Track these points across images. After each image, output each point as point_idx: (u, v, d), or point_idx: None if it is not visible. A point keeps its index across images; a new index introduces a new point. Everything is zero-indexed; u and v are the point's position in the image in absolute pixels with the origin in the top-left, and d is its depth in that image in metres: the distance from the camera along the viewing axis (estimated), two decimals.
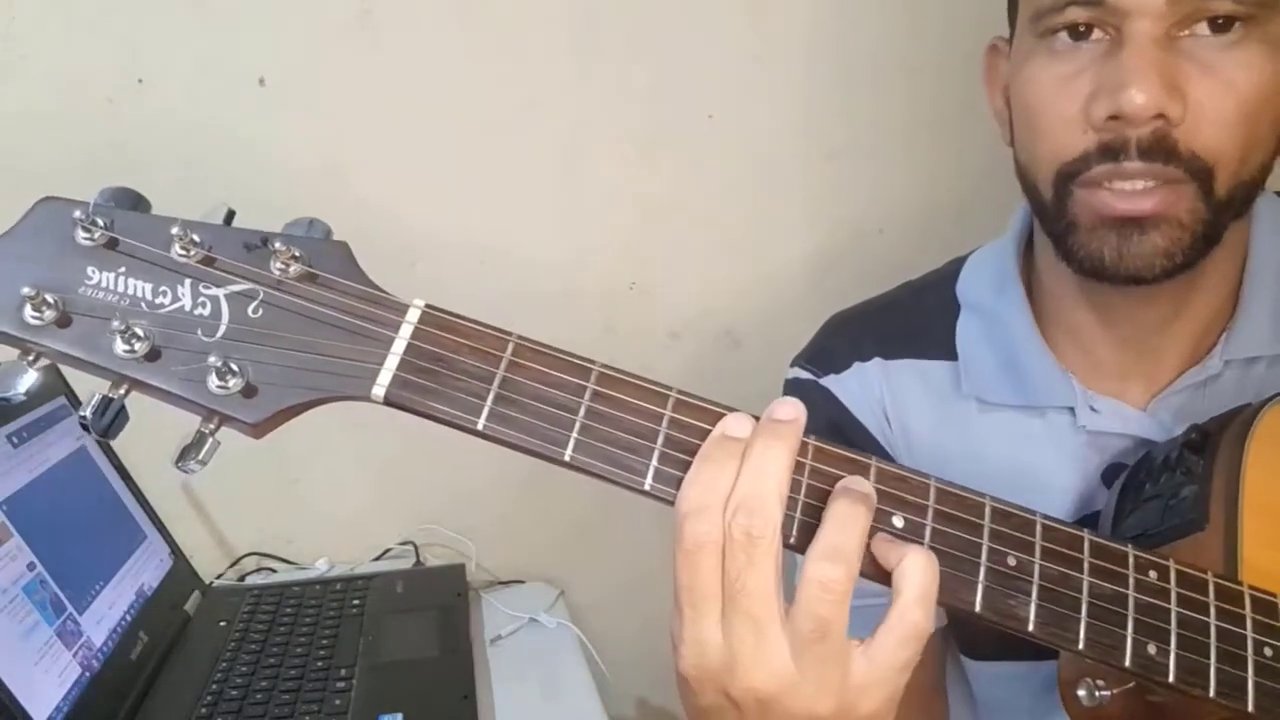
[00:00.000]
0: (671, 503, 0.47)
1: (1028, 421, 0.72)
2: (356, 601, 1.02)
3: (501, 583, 1.17)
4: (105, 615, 0.87)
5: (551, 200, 1.12)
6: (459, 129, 1.08)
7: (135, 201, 0.48)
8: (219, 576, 1.13)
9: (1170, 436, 0.66)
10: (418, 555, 1.16)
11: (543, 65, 1.08)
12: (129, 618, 0.90)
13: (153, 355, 0.45)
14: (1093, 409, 0.69)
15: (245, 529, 1.16)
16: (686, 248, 1.16)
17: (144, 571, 0.96)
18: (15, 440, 0.84)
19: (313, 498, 1.16)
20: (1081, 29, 0.61)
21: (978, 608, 0.48)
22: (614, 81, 1.10)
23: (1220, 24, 0.58)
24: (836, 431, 0.77)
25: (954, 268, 0.79)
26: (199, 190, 1.05)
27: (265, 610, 1.01)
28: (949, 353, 0.75)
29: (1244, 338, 0.67)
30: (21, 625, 0.76)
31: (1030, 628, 0.48)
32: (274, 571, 1.15)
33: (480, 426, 0.46)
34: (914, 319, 0.78)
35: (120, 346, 0.45)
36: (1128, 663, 0.49)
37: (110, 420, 0.45)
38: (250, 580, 1.13)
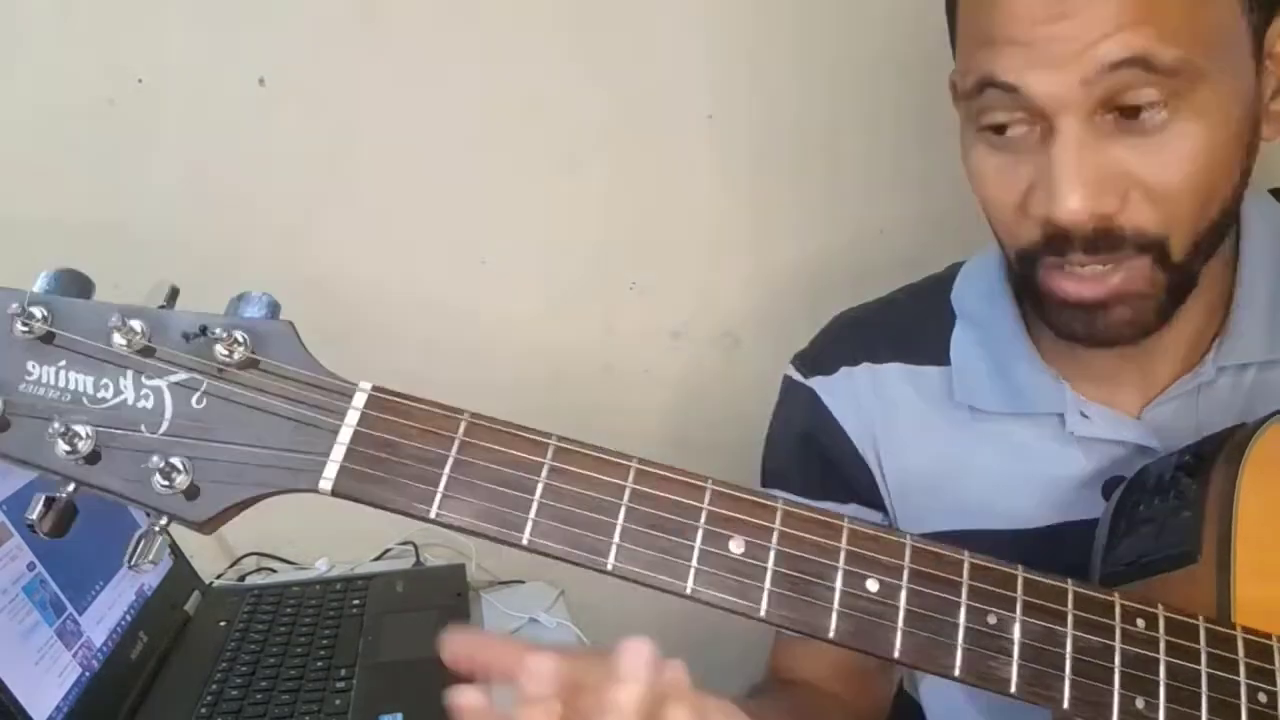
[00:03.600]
0: (636, 582, 0.45)
1: (1019, 429, 0.72)
2: (356, 601, 1.02)
3: (501, 583, 1.17)
4: (105, 615, 0.87)
5: (552, 200, 1.12)
6: (459, 129, 1.08)
7: (80, 285, 0.46)
8: (219, 576, 1.13)
9: (1164, 444, 0.66)
10: (418, 555, 1.15)
11: (543, 65, 1.08)
12: (129, 618, 0.90)
13: (93, 458, 0.44)
14: (1083, 415, 0.69)
15: (245, 529, 1.14)
16: (686, 248, 1.16)
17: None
18: None
19: (313, 498, 1.16)
20: (1008, 133, 0.60)
21: (957, 672, 0.46)
22: (614, 81, 1.10)
23: (1143, 107, 0.56)
24: (812, 437, 0.78)
25: (952, 273, 0.79)
26: (199, 190, 1.05)
27: (265, 610, 1.01)
28: (941, 359, 0.75)
29: (1237, 344, 0.67)
30: (21, 625, 0.76)
31: (1012, 689, 0.47)
32: (274, 571, 1.15)
33: (433, 515, 0.45)
34: (909, 324, 0.78)
35: (61, 448, 0.44)
36: (1115, 719, 0.48)
37: (58, 519, 0.44)
38: (250, 580, 1.13)
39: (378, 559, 1.17)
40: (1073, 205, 0.57)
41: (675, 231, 1.15)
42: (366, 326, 1.05)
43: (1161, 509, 0.59)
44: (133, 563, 0.45)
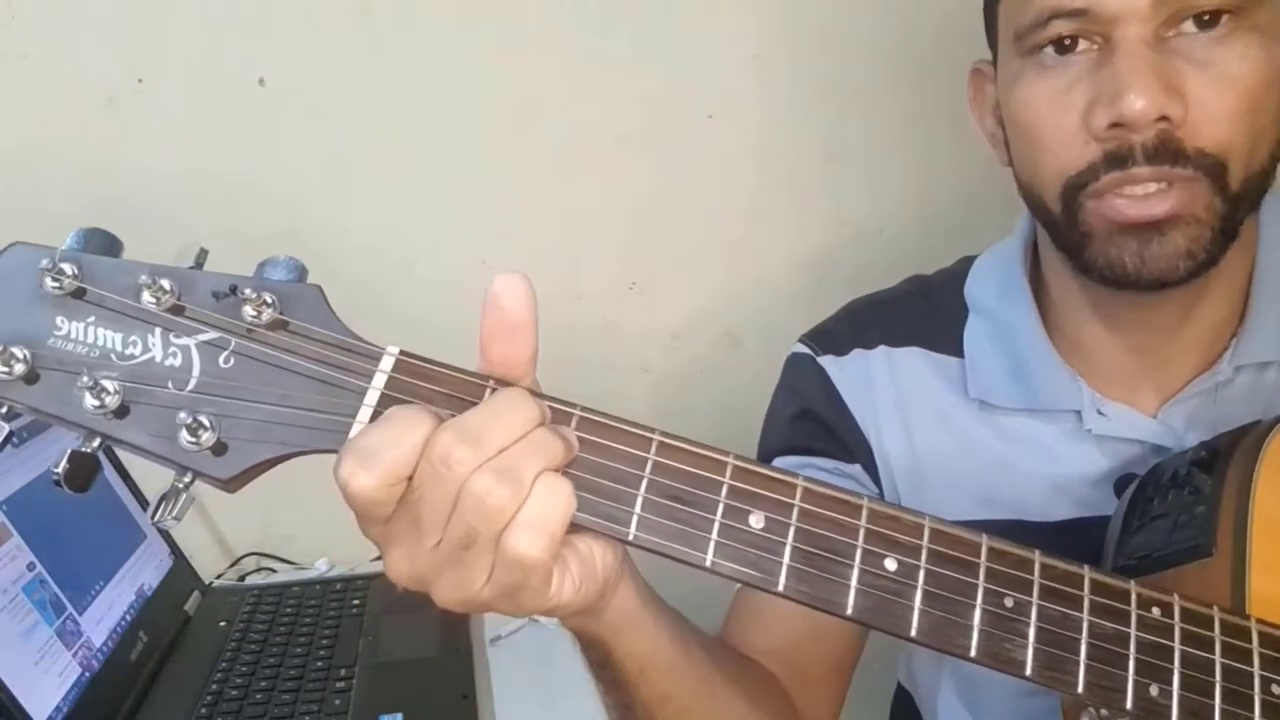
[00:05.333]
0: (656, 553, 0.45)
1: (1035, 425, 0.71)
2: (356, 601, 1.01)
3: None
4: (105, 615, 0.87)
5: (552, 200, 1.12)
6: (459, 129, 1.08)
7: (108, 244, 0.46)
8: (219, 576, 1.12)
9: (1180, 443, 0.66)
10: None
11: (543, 65, 1.08)
12: (129, 618, 0.90)
13: (122, 411, 0.44)
14: (1100, 413, 0.69)
15: (245, 529, 1.16)
16: (686, 248, 1.16)
17: (144, 571, 0.96)
18: (16, 440, 0.84)
19: (313, 498, 1.15)
20: (1067, 41, 0.61)
21: (973, 653, 0.46)
22: (614, 81, 1.10)
23: (1207, 20, 0.58)
24: (815, 412, 0.78)
25: (964, 267, 0.79)
26: (199, 191, 1.05)
27: (265, 610, 1.01)
28: (957, 350, 0.75)
29: (1254, 342, 0.67)
30: (21, 625, 0.76)
31: (1028, 672, 0.47)
32: (274, 571, 1.15)
33: None
34: (925, 313, 0.78)
35: (90, 402, 0.44)
36: (1129, 705, 0.48)
37: (86, 475, 0.44)
38: (250, 580, 1.12)
39: (378, 559, 1.16)
40: (1140, 104, 0.57)
41: (675, 231, 1.15)
42: (365, 327, 1.05)
43: (1176, 503, 0.59)
44: (157, 518, 0.45)
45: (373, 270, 1.09)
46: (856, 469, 0.77)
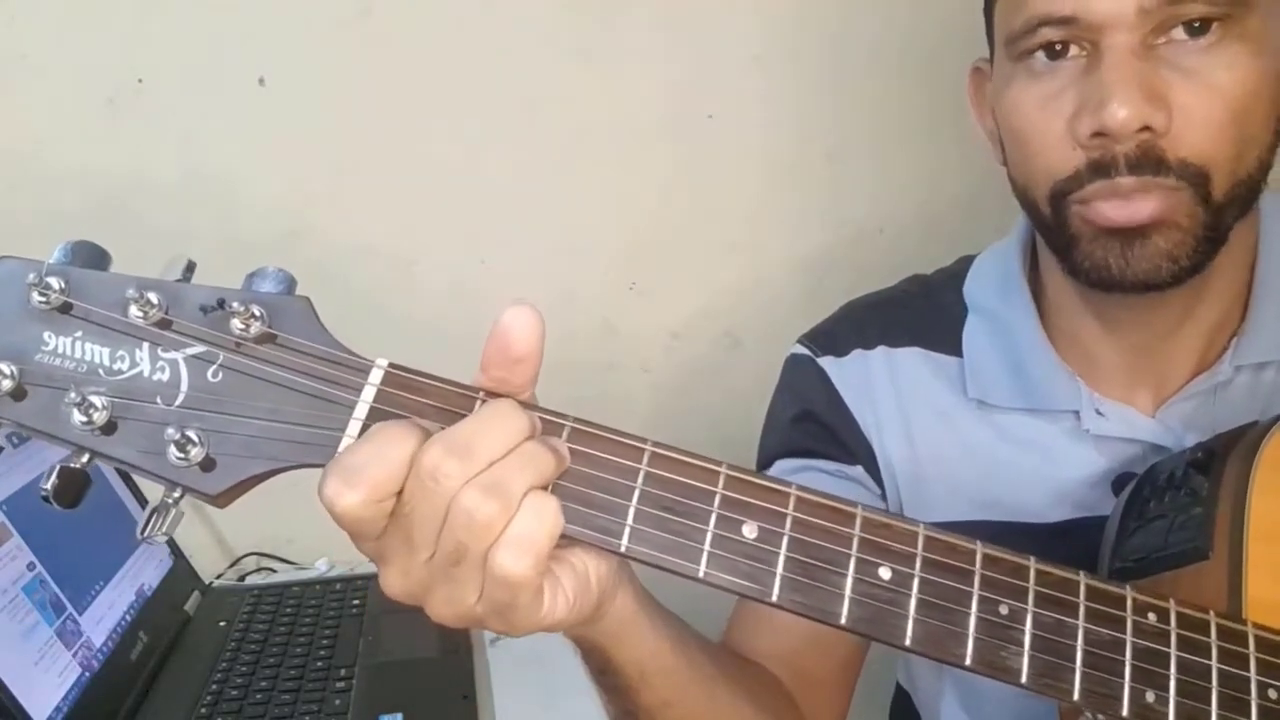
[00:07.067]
0: (649, 564, 0.45)
1: (1034, 425, 0.71)
2: (356, 601, 1.01)
3: None
4: (105, 615, 0.87)
5: (552, 200, 1.12)
6: (459, 129, 1.09)
7: (96, 257, 0.45)
8: (219, 576, 1.12)
9: (1179, 444, 0.66)
10: None
11: (543, 65, 1.08)
12: (129, 618, 0.90)
13: (110, 427, 0.44)
14: (1099, 413, 0.69)
15: (245, 529, 1.15)
16: (686, 248, 1.16)
17: (144, 571, 0.96)
18: (15, 440, 0.84)
19: (313, 498, 1.15)
20: (1057, 48, 0.61)
21: (968, 661, 0.46)
22: (614, 81, 1.10)
23: (1196, 27, 0.58)
24: (815, 413, 0.78)
25: (963, 267, 0.79)
26: (198, 191, 1.05)
27: (265, 610, 1.01)
28: (956, 350, 0.75)
29: (1254, 343, 0.67)
30: (21, 625, 0.76)
31: (1023, 680, 0.47)
32: (274, 571, 1.15)
33: None
34: (925, 313, 0.78)
35: (77, 418, 0.43)
36: (1125, 712, 0.48)
37: (71, 490, 0.44)
38: (250, 580, 1.12)
39: None
40: (1122, 114, 0.57)
41: (675, 231, 1.15)
42: (364, 327, 1.05)
43: (1173, 505, 0.59)
44: (146, 534, 0.45)
45: (372, 270, 1.10)
46: (858, 470, 0.77)
